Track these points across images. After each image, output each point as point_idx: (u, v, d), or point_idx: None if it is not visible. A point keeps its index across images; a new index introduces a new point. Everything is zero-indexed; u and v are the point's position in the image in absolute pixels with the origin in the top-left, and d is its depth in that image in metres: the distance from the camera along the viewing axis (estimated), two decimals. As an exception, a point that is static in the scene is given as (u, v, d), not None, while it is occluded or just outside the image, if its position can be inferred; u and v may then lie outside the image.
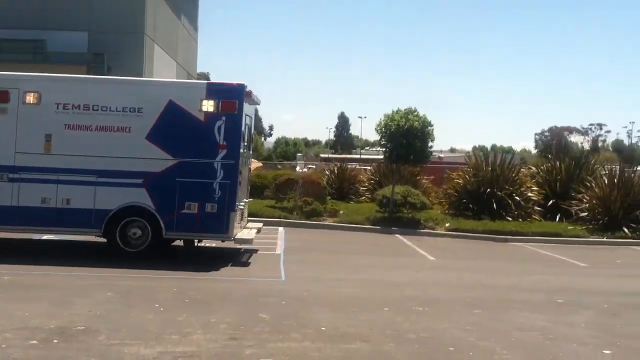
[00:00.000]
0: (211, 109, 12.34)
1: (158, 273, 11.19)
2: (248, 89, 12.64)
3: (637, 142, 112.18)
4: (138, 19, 26.49)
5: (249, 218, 15.25)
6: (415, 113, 19.98)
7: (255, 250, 14.08)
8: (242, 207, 13.30)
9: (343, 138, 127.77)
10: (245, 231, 13.61)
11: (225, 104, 12.37)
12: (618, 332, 8.74)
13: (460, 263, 15.05)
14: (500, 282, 12.44)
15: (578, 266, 15.02)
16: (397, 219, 20.31)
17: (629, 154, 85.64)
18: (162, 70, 28.37)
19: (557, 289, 11.76)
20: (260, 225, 14.83)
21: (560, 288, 11.86)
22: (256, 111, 18.44)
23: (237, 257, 13.43)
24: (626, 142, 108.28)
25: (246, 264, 12.91)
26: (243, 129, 12.71)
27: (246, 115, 12.90)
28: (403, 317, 9.01)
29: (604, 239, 19.31)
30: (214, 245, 14.31)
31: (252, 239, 12.99)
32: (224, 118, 12.32)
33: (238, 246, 13.70)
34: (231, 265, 12.54)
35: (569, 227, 20.10)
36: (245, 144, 13.15)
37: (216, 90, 12.52)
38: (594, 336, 8.44)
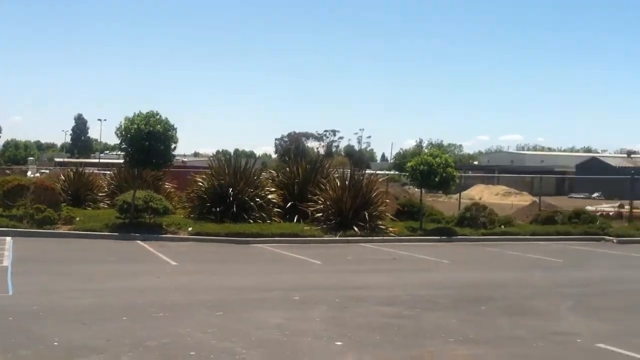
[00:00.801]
0: None
1: None
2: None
3: (366, 147, 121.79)
4: None
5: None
6: (157, 116, 19.64)
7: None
8: None
9: (81, 141, 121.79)
10: None
11: None
12: (348, 323, 9.35)
13: (203, 267, 15.10)
14: (242, 283, 12.69)
15: (314, 264, 15.84)
16: (139, 224, 19.80)
17: (359, 158, 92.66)
18: None
19: (294, 286, 12.28)
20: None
21: (297, 286, 12.40)
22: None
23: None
24: (357, 147, 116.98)
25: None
26: None
27: None
28: (142, 324, 8.78)
29: (337, 238, 20.61)
30: None
31: None
32: None
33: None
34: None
35: (306, 228, 21.12)
36: None
37: None
38: (327, 329, 8.94)
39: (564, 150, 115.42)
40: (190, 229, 20.14)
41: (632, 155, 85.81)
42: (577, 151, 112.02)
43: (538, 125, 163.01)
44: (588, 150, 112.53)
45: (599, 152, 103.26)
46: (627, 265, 17.27)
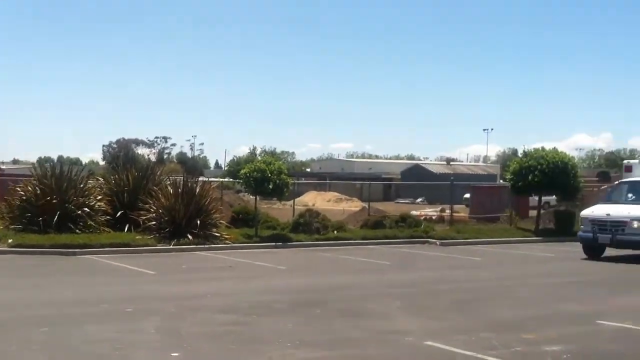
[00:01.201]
0: None
1: None
2: None
3: (199, 154, 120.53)
4: None
5: None
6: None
7: None
8: None
9: None
10: None
11: None
12: (184, 333, 9.14)
13: (25, 281, 14.15)
14: (69, 296, 12.03)
15: (147, 274, 15.37)
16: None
17: (192, 165, 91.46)
18: None
19: (126, 298, 11.82)
20: None
21: (129, 297, 11.95)
22: None
23: None
24: (189, 154, 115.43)
25: None
26: None
27: None
28: (-43, 346, 8.04)
29: (171, 246, 20.14)
30: None
31: None
32: None
33: None
34: None
35: (138, 237, 20.45)
36: None
37: None
38: (162, 340, 8.69)
39: (390, 158, 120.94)
40: (10, 240, 18.84)
41: (451, 163, 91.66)
42: (402, 159, 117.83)
43: (366, 134, 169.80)
44: (411, 157, 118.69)
45: (421, 160, 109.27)
46: (450, 265, 18.33)
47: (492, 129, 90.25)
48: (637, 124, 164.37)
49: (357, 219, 28.19)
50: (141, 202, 22.05)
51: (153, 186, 23.05)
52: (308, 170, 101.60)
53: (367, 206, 30.79)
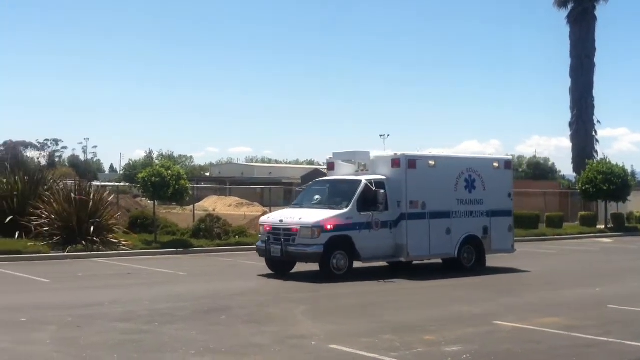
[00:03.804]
0: None
1: None
2: None
3: (92, 157, 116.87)
4: None
5: None
6: None
7: None
8: None
9: None
10: None
11: None
12: (83, 343, 8.84)
13: None
14: (-45, 307, 11.37)
15: (40, 282, 14.75)
16: None
17: (85, 169, 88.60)
18: None
19: (19, 307, 11.32)
20: None
21: (22, 306, 11.45)
22: None
23: None
24: (82, 157, 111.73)
25: None
26: None
27: None
28: None
29: (65, 254, 19.43)
30: None
31: None
32: None
33: None
34: None
35: (29, 244, 19.61)
36: None
37: None
38: (59, 351, 8.38)
39: (290, 163, 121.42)
40: None
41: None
42: (302, 163, 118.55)
43: (265, 138, 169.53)
44: (311, 163, 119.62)
45: (320, 165, 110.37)
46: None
47: (388, 135, 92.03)
48: (524, 131, 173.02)
49: (258, 223, 28.08)
50: (32, 207, 21.14)
51: (44, 191, 22.19)
52: (207, 174, 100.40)
53: (268, 211, 30.73)
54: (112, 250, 20.29)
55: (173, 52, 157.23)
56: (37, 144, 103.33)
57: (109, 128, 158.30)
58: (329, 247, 15.33)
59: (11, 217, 21.25)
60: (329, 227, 15.37)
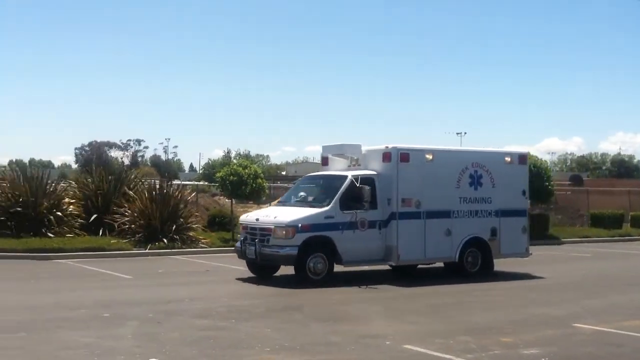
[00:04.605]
0: None
1: None
2: None
3: (173, 157, 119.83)
4: None
5: None
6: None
7: None
8: None
9: None
10: None
11: None
12: (162, 339, 9.10)
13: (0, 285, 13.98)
14: (45, 301, 11.90)
15: (123, 279, 15.25)
16: None
17: (166, 169, 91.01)
18: None
19: (102, 303, 11.72)
20: None
21: (105, 302, 11.85)
22: None
23: None
24: (163, 157, 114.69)
25: None
26: None
27: None
28: None
29: (147, 251, 20.02)
30: None
31: None
32: None
33: None
34: None
35: (112, 241, 20.31)
36: None
37: None
38: (140, 346, 8.64)
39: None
40: (-18, 245, 18.58)
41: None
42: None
43: (340, 137, 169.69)
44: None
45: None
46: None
47: (465, 133, 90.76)
48: (607, 128, 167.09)
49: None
50: (115, 205, 21.92)
51: (127, 190, 22.92)
52: (283, 173, 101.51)
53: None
54: (192, 248, 20.79)
55: (251, 53, 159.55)
56: (121, 144, 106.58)
57: (189, 128, 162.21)
58: (305, 249, 14.09)
59: (96, 215, 22.08)
60: (304, 226, 14.12)
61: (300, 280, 14.15)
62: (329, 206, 14.47)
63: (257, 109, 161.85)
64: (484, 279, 15.45)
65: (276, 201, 17.26)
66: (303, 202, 15.18)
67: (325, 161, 17.05)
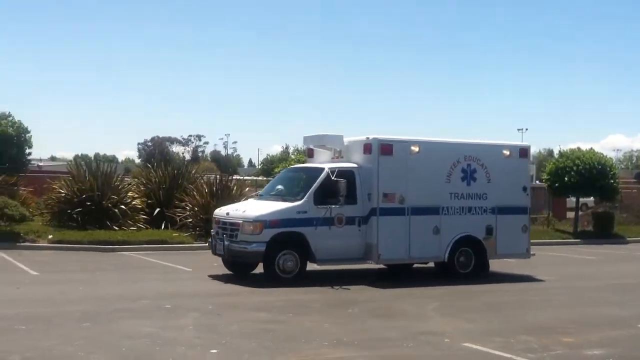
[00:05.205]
0: None
1: None
2: None
3: (232, 152, 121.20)
4: None
5: None
6: (10, 118, 18.61)
7: None
8: None
9: None
10: None
11: None
12: (222, 331, 9.25)
13: (66, 276, 14.40)
14: (109, 292, 12.21)
15: (184, 271, 15.53)
16: (-7, 233, 18.61)
17: (226, 164, 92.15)
18: None
19: (164, 295, 11.97)
20: None
21: (167, 294, 12.10)
22: None
23: None
24: (223, 152, 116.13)
25: None
26: None
27: None
28: (3, 337, 8.29)
29: (207, 244, 20.26)
30: None
31: None
32: None
33: None
34: None
35: (174, 234, 20.69)
36: None
37: None
38: (201, 337, 8.80)
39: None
40: (50, 236, 19.19)
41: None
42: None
43: (390, 133, 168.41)
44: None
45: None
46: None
47: (526, 129, 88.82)
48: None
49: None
50: (177, 200, 22.32)
51: (188, 184, 23.31)
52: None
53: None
54: (250, 242, 20.98)
55: (307, 49, 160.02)
56: (182, 140, 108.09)
57: (248, 124, 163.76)
58: (274, 246, 13.38)
59: (158, 209, 22.55)
60: (273, 222, 13.41)
61: (268, 279, 13.52)
62: (302, 200, 13.70)
63: (316, 104, 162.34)
64: (532, 280, 15.24)
65: (255, 194, 16.64)
66: (278, 196, 14.45)
67: (310, 152, 16.26)
